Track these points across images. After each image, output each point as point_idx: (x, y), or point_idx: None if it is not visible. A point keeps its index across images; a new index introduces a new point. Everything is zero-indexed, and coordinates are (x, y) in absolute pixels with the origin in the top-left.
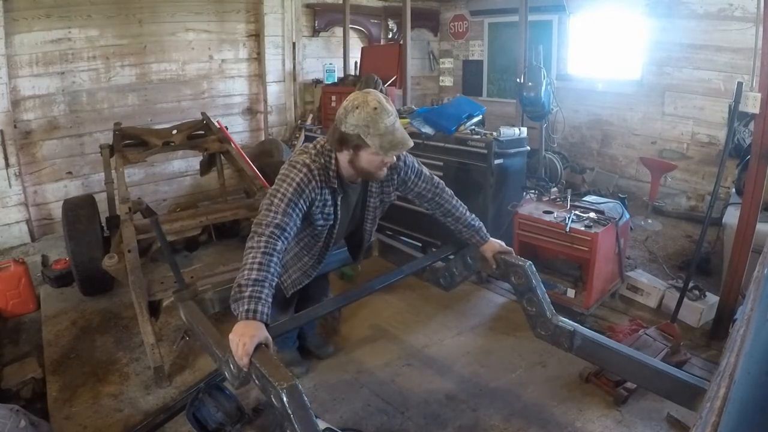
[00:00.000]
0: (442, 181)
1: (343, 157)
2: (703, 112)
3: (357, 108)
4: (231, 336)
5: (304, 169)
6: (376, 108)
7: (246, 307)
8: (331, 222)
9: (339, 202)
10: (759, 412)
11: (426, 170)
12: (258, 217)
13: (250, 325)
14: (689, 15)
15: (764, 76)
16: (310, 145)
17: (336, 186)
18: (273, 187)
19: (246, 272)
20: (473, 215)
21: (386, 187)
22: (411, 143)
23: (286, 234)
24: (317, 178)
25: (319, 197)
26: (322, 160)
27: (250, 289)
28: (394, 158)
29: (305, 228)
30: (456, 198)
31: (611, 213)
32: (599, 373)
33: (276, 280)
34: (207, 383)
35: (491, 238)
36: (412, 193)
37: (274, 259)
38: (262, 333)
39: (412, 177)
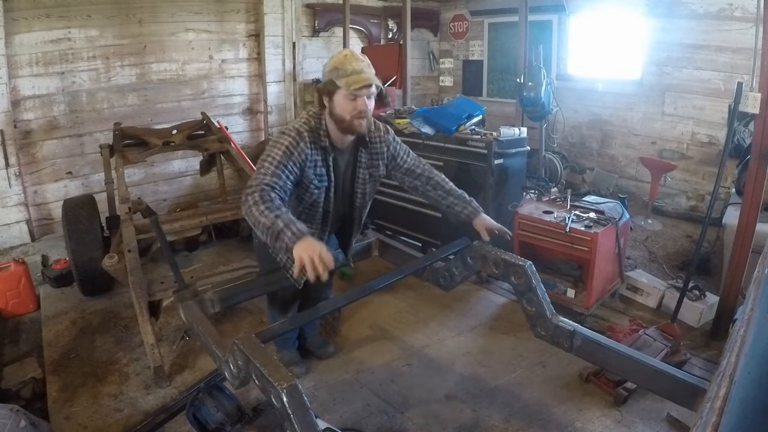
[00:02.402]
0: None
1: (326, 113)
2: (703, 112)
3: (332, 59)
4: (300, 256)
5: (293, 133)
6: (346, 55)
7: (290, 232)
8: (326, 184)
9: (331, 163)
10: (759, 412)
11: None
12: (249, 181)
13: (307, 242)
14: (689, 15)
15: (764, 76)
16: (304, 112)
17: (326, 144)
18: (264, 152)
19: (264, 218)
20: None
21: (375, 160)
22: (378, 82)
23: (276, 191)
24: (306, 139)
25: (309, 157)
26: (313, 123)
27: (279, 221)
28: (367, 105)
29: (302, 196)
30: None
31: (611, 213)
32: (599, 373)
33: (285, 209)
34: (207, 383)
35: (483, 213)
36: (402, 170)
37: (276, 200)
38: (320, 244)
39: (401, 154)
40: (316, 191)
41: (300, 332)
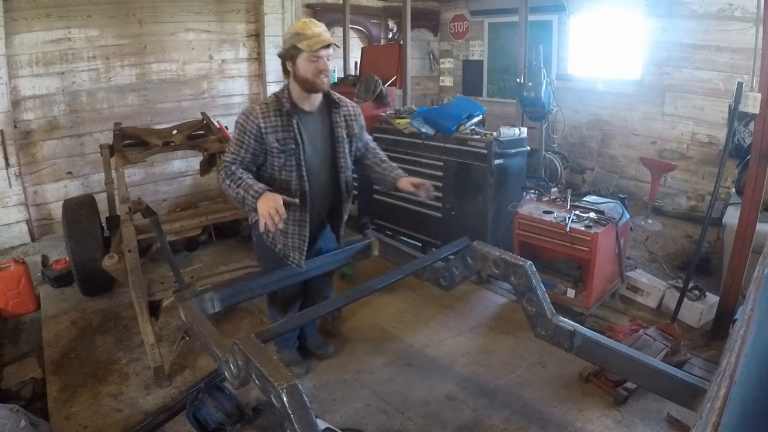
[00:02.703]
0: None
1: (290, 78)
2: (703, 112)
3: (292, 27)
4: (261, 212)
5: (245, 112)
6: (305, 22)
7: (250, 195)
8: (293, 146)
9: (295, 126)
10: (759, 412)
11: None
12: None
13: (266, 197)
14: (689, 15)
15: (764, 76)
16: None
17: (289, 108)
18: None
19: (232, 191)
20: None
21: (350, 120)
22: (332, 41)
23: (237, 164)
24: (257, 112)
25: (265, 126)
26: (275, 96)
27: (241, 189)
28: (327, 64)
29: (273, 164)
30: None
31: (611, 213)
32: (599, 373)
33: (246, 175)
34: (207, 383)
35: (407, 176)
36: (362, 141)
37: (237, 172)
38: (276, 195)
39: (364, 130)
40: (282, 155)
41: (300, 332)
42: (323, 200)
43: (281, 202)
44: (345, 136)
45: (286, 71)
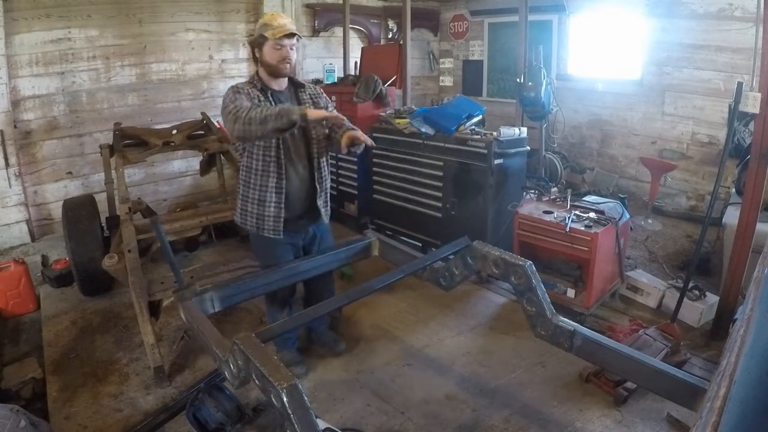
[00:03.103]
0: None
1: (260, 65)
2: (703, 112)
3: (261, 19)
4: (316, 116)
5: (231, 88)
6: (273, 14)
7: (285, 109)
8: None
9: (270, 97)
10: (759, 412)
11: None
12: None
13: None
14: (689, 15)
15: (764, 76)
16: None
17: (261, 86)
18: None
19: (256, 114)
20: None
21: (315, 98)
22: (295, 30)
23: (243, 99)
24: (245, 87)
25: (251, 94)
26: (247, 80)
27: (263, 109)
28: (292, 53)
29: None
30: None
31: (611, 213)
32: (599, 373)
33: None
34: (207, 383)
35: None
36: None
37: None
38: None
39: (330, 106)
40: None
41: (310, 328)
42: (298, 172)
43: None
44: None
45: (254, 58)
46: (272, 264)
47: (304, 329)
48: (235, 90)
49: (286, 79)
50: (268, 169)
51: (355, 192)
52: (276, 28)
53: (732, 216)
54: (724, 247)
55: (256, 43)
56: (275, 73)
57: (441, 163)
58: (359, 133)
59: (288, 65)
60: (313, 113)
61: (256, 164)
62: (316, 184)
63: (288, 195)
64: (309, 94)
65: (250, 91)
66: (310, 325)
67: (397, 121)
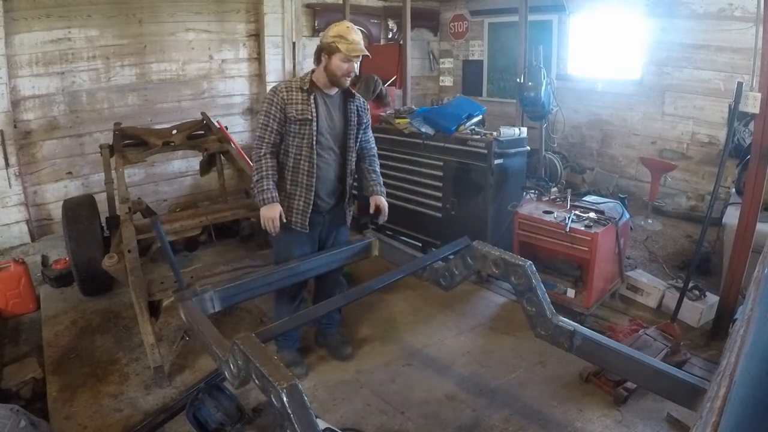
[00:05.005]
0: None
1: (320, 66)
2: (703, 112)
3: (335, 26)
4: (263, 215)
5: (272, 89)
6: (348, 27)
7: (264, 196)
8: (309, 116)
9: (313, 101)
10: (759, 412)
11: None
12: (254, 142)
13: (270, 207)
14: (689, 15)
15: (764, 76)
16: None
17: (308, 87)
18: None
19: (255, 175)
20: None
21: (361, 111)
22: (366, 52)
23: (267, 141)
24: (282, 88)
25: (288, 100)
26: (300, 77)
27: (261, 182)
28: (356, 70)
29: (289, 132)
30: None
31: (611, 213)
32: (599, 373)
33: (272, 171)
34: (207, 383)
35: (381, 196)
36: (366, 135)
37: (263, 160)
38: (277, 207)
39: (369, 127)
40: (297, 124)
41: (319, 329)
42: (329, 174)
43: (278, 215)
44: (356, 122)
45: (318, 60)
46: (286, 255)
47: (312, 330)
48: (270, 102)
49: None
50: (299, 167)
51: (356, 192)
52: (351, 45)
53: (732, 216)
54: (724, 247)
55: (327, 50)
56: (336, 83)
57: (441, 163)
58: (384, 205)
59: (350, 79)
60: (262, 214)
61: (287, 160)
62: (346, 191)
63: (317, 192)
64: (356, 106)
65: (286, 96)
66: (319, 326)
67: (397, 121)
